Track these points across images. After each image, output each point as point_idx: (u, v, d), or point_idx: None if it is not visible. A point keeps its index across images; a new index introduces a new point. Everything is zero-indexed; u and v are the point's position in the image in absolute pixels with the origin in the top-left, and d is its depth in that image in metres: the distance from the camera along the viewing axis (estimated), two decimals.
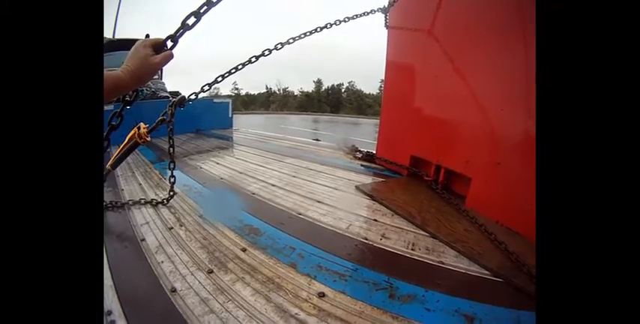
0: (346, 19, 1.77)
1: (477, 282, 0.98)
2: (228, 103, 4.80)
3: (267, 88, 43.89)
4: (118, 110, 1.05)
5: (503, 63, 1.40)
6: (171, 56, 0.68)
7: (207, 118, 4.38)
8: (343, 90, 42.11)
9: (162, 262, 1.05)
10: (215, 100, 4.84)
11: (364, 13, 1.93)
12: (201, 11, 0.83)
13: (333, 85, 42.06)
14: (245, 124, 7.09)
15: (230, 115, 4.77)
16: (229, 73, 1.44)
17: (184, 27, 0.80)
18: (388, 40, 2.29)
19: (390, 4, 2.09)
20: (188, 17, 0.80)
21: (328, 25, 1.69)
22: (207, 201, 1.63)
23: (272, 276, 0.97)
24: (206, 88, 1.41)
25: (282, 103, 41.04)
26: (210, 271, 0.99)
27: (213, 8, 0.86)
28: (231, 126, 4.75)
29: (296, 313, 0.80)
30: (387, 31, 2.26)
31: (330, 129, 15.50)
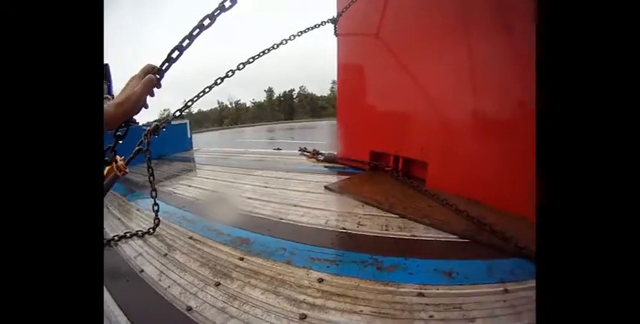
0: (299, 33, 1.87)
1: (448, 245, 1.20)
2: (186, 123, 4.62)
3: (218, 103, 42.91)
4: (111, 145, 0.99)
5: (446, 55, 1.65)
6: (152, 82, 0.71)
7: (167, 143, 4.16)
8: (295, 95, 42.38)
9: (169, 286, 1.08)
10: (173, 123, 4.64)
11: (316, 26, 2.08)
12: (184, 45, 0.86)
13: (284, 92, 42.18)
14: (202, 143, 6.92)
15: (189, 136, 4.66)
16: (197, 96, 1.50)
17: (170, 60, 0.83)
18: (338, 46, 2.51)
19: (339, 15, 2.31)
20: (172, 51, 0.84)
21: (284, 42, 1.75)
22: (191, 223, 1.69)
23: (274, 274, 1.08)
24: (177, 113, 1.47)
25: (235, 116, 40.29)
26: (218, 284, 1.07)
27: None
28: (192, 147, 4.66)
29: (304, 299, 0.94)
30: (336, 38, 2.48)
31: (286, 136, 15.59)
